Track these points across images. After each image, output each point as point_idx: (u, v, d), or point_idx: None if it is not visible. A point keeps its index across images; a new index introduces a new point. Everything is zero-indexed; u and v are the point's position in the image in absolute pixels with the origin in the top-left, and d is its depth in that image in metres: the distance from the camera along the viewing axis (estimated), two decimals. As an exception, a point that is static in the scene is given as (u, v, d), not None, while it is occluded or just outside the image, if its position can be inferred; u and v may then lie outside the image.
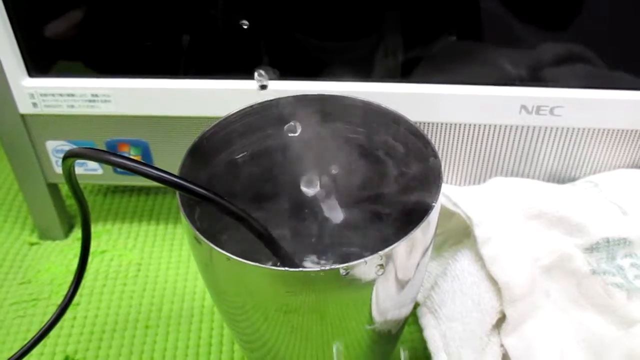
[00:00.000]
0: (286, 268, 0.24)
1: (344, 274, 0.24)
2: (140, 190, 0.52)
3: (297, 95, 0.32)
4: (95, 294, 0.43)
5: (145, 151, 0.43)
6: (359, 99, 0.32)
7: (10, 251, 0.47)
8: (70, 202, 0.50)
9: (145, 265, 0.45)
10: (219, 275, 0.27)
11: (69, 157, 0.26)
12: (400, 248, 0.25)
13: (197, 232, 0.25)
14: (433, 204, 0.26)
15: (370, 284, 0.26)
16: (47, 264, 0.46)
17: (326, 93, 0.32)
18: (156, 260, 0.46)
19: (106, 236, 0.48)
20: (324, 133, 0.32)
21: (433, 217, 0.27)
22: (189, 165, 0.29)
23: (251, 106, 0.32)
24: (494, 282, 0.34)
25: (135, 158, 0.43)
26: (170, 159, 0.40)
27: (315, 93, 0.32)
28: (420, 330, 0.40)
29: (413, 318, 0.38)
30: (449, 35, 0.37)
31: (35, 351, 0.38)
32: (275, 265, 0.27)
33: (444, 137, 0.41)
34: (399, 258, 0.26)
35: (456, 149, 0.41)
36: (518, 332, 0.34)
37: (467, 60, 0.39)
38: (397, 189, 0.32)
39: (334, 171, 0.33)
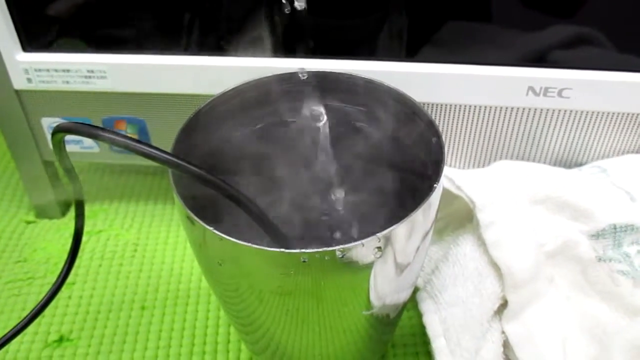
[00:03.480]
0: (281, 249, 0.23)
1: (340, 256, 0.23)
2: (137, 169, 0.51)
3: (294, 72, 0.31)
4: (91, 273, 0.43)
5: (142, 129, 0.42)
6: (360, 77, 0.31)
7: (6, 229, 0.46)
8: (67, 180, 0.49)
9: (142, 246, 0.45)
10: (212, 257, 0.26)
11: (58, 132, 0.25)
12: (399, 230, 0.24)
13: (190, 212, 0.24)
14: (435, 185, 0.25)
15: (368, 267, 0.25)
16: (44, 243, 0.45)
17: (326, 70, 0.31)
18: (153, 241, 0.45)
19: (103, 215, 0.47)
20: (322, 111, 0.31)
21: (434, 199, 0.26)
22: (183, 142, 0.28)
23: (247, 82, 0.31)
24: (496, 267, 0.34)
25: (131, 135, 0.42)
26: (168, 136, 0.39)
27: (315, 70, 0.31)
28: (419, 316, 0.39)
29: (412, 304, 0.37)
30: (455, 17, 0.36)
31: (29, 330, 0.38)
32: (269, 245, 0.26)
33: (448, 119, 0.39)
34: (398, 241, 0.25)
35: (460, 131, 0.40)
36: (520, 318, 0.33)
37: (474, 40, 0.37)
38: (399, 170, 0.31)
39: (333, 149, 0.32)
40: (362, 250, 0.24)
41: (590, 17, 0.36)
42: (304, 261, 0.23)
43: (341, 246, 0.23)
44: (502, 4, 0.36)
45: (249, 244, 0.23)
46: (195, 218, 0.24)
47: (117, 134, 0.24)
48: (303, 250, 0.23)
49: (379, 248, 0.24)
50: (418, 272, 0.30)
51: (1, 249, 0.45)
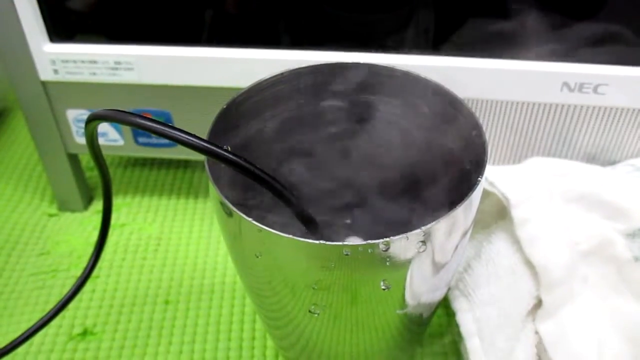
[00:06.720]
0: (322, 241, 0.22)
1: (383, 249, 0.22)
2: (161, 163, 0.51)
3: (330, 63, 0.30)
4: (115, 267, 0.42)
5: (167, 121, 0.41)
6: (397, 68, 0.30)
7: (29, 222, 0.46)
8: (90, 173, 0.49)
9: (165, 240, 0.44)
10: (247, 248, 0.26)
11: (93, 119, 0.25)
12: (441, 225, 0.24)
13: (228, 202, 0.24)
14: (479, 178, 0.25)
15: (407, 263, 0.24)
16: (66, 236, 0.45)
17: (358, 62, 0.31)
18: (176, 235, 0.45)
19: (126, 209, 0.47)
20: (358, 102, 0.30)
21: (476, 194, 0.25)
22: (217, 131, 0.28)
23: (282, 73, 0.30)
24: (530, 266, 0.33)
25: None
26: (194, 129, 0.39)
27: (350, 61, 0.31)
28: (447, 315, 0.38)
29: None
30: (485, 12, 0.35)
31: (53, 323, 0.38)
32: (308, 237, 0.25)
33: (480, 115, 0.39)
34: (439, 237, 0.24)
35: (493, 127, 0.39)
36: (554, 318, 0.33)
37: (505, 34, 0.37)
38: (438, 165, 0.31)
39: (369, 142, 0.32)
40: (405, 244, 0.23)
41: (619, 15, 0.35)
42: (347, 254, 0.22)
43: (385, 239, 0.22)
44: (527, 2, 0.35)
45: (291, 236, 0.22)
46: (234, 209, 0.24)
47: (155, 122, 0.23)
48: (345, 243, 0.22)
49: (422, 242, 0.23)
50: (454, 272, 0.30)
51: (24, 241, 0.45)
